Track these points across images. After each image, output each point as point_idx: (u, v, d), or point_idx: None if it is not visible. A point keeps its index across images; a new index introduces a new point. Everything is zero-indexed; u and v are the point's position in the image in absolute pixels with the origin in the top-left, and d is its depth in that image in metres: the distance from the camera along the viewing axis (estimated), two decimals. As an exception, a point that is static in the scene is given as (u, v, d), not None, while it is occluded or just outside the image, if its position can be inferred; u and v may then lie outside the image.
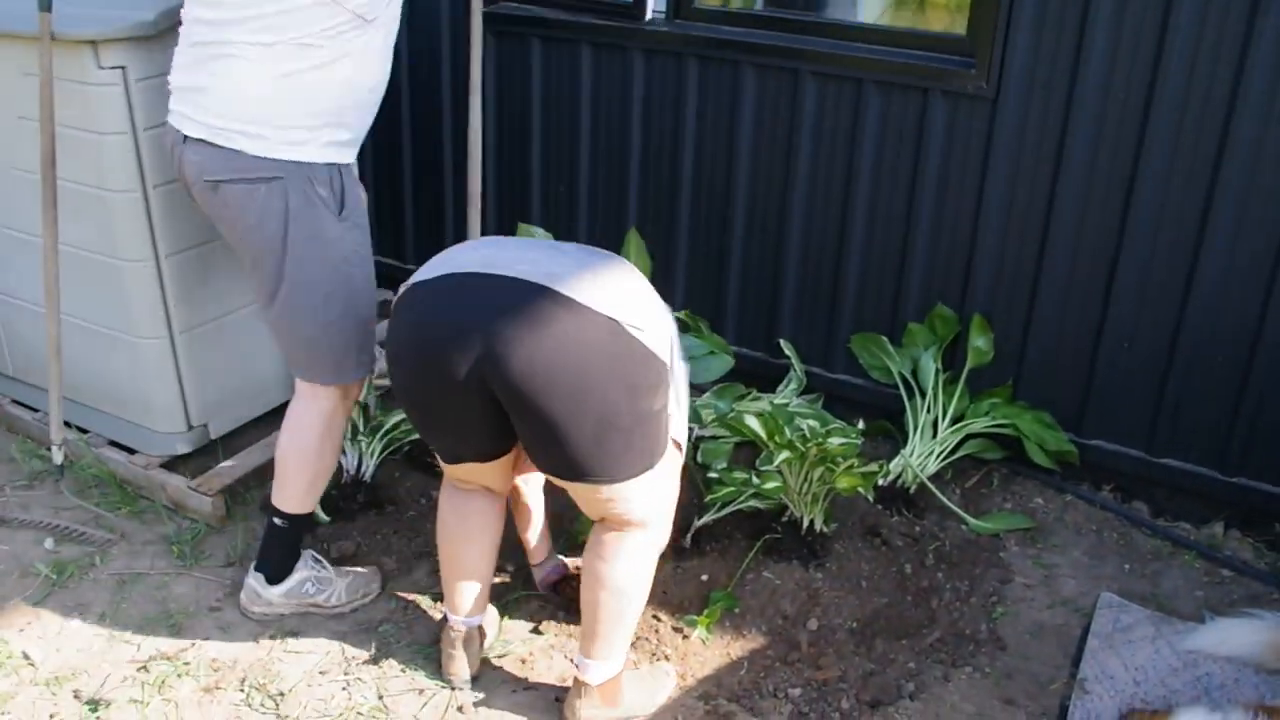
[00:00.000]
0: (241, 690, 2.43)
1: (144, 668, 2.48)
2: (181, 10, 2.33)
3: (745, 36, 3.18)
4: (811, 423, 2.86)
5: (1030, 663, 2.54)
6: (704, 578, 2.77)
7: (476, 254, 2.05)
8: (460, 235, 3.72)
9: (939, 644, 2.58)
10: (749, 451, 3.04)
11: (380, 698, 2.42)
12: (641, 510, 2.12)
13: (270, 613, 2.62)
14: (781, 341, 3.33)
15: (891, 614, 2.67)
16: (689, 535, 2.86)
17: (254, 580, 2.61)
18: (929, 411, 3.09)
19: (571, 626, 2.60)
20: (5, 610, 2.64)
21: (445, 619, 2.45)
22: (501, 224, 3.75)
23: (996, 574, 2.80)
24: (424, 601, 2.70)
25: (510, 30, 3.51)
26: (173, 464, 3.08)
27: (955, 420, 3.07)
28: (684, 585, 2.75)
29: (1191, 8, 2.58)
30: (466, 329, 1.91)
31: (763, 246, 3.35)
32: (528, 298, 1.90)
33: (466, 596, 2.39)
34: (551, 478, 2.07)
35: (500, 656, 2.53)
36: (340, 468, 3.04)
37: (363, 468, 3.06)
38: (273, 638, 2.58)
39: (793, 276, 3.34)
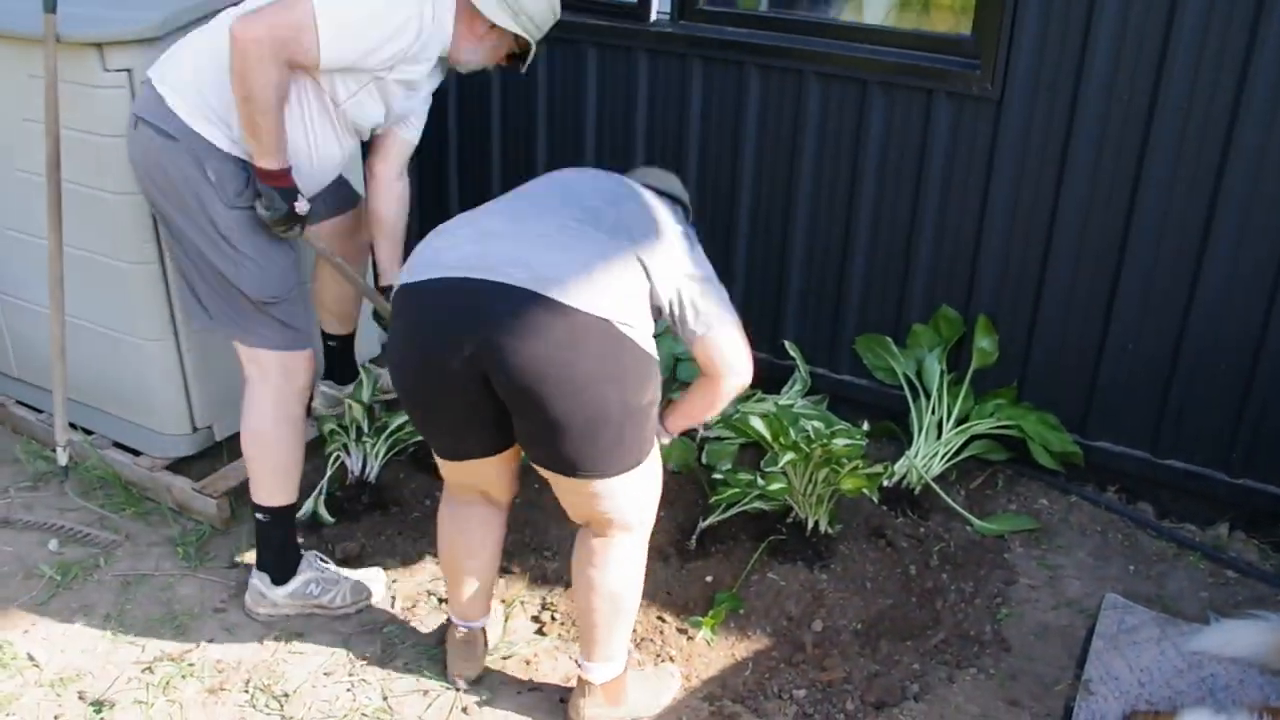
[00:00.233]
0: (246, 691, 2.43)
1: (149, 669, 2.48)
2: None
3: (750, 38, 3.18)
4: (816, 424, 2.87)
5: (1035, 664, 2.54)
6: (709, 579, 2.77)
7: (467, 249, 2.02)
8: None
9: (944, 645, 2.57)
10: (754, 453, 3.04)
11: (385, 699, 2.42)
12: (627, 509, 2.14)
13: (275, 614, 2.62)
14: (786, 343, 3.33)
15: (896, 615, 2.67)
16: (694, 536, 2.86)
17: (258, 581, 2.61)
18: (934, 413, 3.09)
19: (576, 628, 2.60)
20: (10, 612, 2.64)
21: (449, 621, 2.46)
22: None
23: (1001, 575, 2.80)
24: (428, 603, 2.71)
25: (514, 31, 3.51)
26: (177, 466, 3.08)
27: (960, 421, 3.07)
28: (689, 586, 2.75)
29: (1196, 12, 2.57)
30: (461, 341, 1.93)
31: (767, 247, 3.35)
32: (521, 305, 1.90)
33: (470, 600, 2.40)
34: (545, 472, 2.09)
35: (505, 658, 2.54)
36: (345, 469, 3.05)
37: (367, 469, 3.06)
38: (277, 639, 2.58)
39: (797, 277, 3.33)
